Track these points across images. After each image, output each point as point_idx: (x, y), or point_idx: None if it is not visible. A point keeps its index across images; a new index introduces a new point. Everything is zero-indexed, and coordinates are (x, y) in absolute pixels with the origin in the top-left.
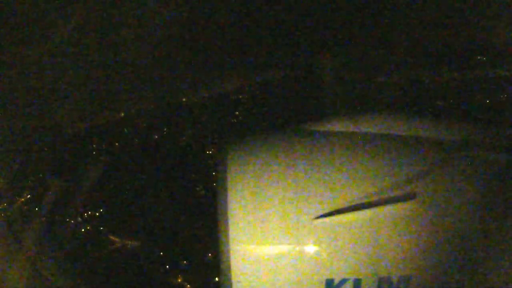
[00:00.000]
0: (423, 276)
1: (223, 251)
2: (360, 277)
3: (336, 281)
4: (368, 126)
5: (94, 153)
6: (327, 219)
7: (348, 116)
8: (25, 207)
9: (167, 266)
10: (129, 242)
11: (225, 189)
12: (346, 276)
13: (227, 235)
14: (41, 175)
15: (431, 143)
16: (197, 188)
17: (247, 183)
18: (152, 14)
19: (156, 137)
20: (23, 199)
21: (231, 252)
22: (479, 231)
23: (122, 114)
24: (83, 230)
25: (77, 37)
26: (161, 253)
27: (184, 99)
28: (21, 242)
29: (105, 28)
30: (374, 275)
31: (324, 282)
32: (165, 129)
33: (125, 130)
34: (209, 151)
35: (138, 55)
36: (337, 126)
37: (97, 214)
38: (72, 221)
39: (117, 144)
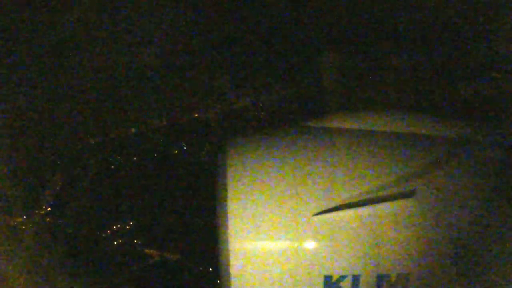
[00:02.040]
0: (422, 274)
1: (222, 247)
2: (359, 274)
3: (335, 278)
4: (368, 123)
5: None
6: (326, 216)
7: (348, 113)
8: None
9: (218, 280)
10: (169, 255)
11: (225, 186)
12: (345, 273)
13: (226, 231)
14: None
15: (430, 141)
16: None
17: (247, 180)
18: (166, 31)
19: (172, 152)
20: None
21: (230, 248)
22: (478, 229)
23: (133, 130)
24: (115, 243)
25: (88, 50)
26: (209, 269)
27: (196, 115)
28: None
29: (118, 44)
30: (373, 272)
31: (322, 279)
32: (180, 144)
33: (141, 144)
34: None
35: (150, 71)
36: (336, 123)
37: (128, 227)
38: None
39: (135, 158)
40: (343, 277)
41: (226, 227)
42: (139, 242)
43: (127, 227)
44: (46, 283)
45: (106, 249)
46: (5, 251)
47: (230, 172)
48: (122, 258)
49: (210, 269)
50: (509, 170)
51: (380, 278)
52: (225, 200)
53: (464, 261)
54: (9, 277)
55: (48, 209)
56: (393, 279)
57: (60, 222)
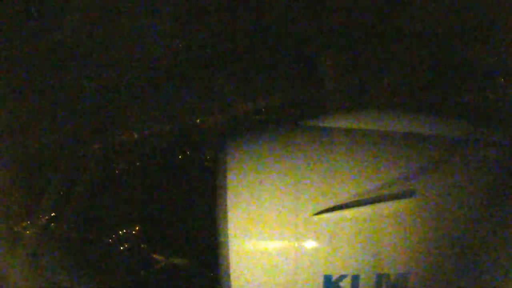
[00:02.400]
0: (422, 274)
1: (222, 247)
2: (359, 273)
3: (334, 278)
4: (368, 122)
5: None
6: (326, 216)
7: (347, 112)
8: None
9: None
10: (176, 260)
11: (225, 185)
12: (345, 273)
13: (226, 231)
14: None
15: (430, 140)
16: None
17: (246, 179)
18: (167, 34)
19: (176, 156)
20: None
21: (230, 247)
22: (479, 229)
23: (136, 135)
24: (121, 248)
25: (90, 53)
26: (218, 274)
27: (198, 121)
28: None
29: (117, 47)
30: (372, 272)
31: (322, 278)
32: (184, 149)
33: (144, 150)
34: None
35: (152, 75)
36: (336, 122)
37: (134, 232)
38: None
39: (138, 163)
40: (342, 277)
41: (226, 227)
42: (146, 247)
43: (133, 232)
44: None
45: (113, 254)
46: (9, 256)
47: (230, 173)
48: (129, 263)
49: (219, 273)
50: (509, 170)
51: (380, 277)
52: (225, 200)
53: (464, 261)
54: (12, 282)
55: (52, 214)
56: (393, 279)
57: (64, 227)
